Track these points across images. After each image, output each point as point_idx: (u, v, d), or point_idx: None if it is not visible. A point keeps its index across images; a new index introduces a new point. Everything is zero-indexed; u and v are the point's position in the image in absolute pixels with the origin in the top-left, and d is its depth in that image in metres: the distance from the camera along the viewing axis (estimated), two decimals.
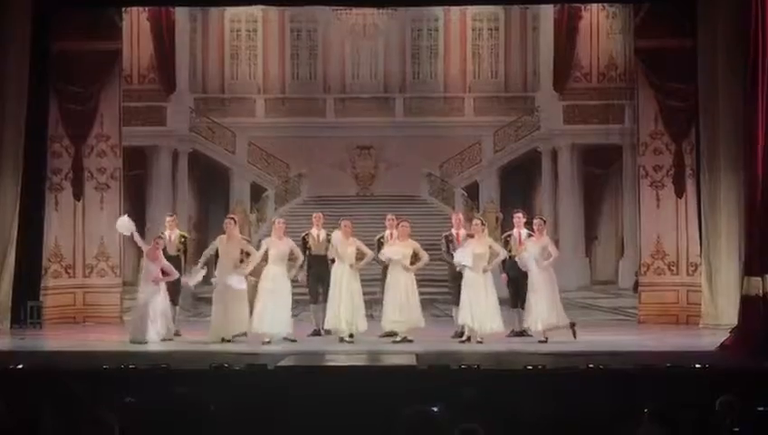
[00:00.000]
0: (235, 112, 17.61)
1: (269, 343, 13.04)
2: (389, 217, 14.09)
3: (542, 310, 13.29)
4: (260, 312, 13.17)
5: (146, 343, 13.12)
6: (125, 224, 14.19)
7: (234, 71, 17.66)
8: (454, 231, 13.97)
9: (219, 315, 13.38)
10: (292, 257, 13.56)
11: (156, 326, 13.26)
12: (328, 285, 13.48)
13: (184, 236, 14.55)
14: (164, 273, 13.54)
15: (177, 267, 13.92)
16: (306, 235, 14.11)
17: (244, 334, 13.49)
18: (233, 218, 13.93)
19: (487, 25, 17.60)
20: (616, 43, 16.92)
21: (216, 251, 13.63)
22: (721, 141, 14.82)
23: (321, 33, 17.66)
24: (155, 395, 6.97)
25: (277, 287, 13.24)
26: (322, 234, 14.02)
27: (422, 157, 17.41)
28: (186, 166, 17.46)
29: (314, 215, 14.34)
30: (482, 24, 17.61)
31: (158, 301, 13.36)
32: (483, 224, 13.51)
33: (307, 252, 13.94)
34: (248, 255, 13.58)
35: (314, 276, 13.99)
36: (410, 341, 13.14)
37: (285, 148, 17.57)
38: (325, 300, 13.54)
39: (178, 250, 14.34)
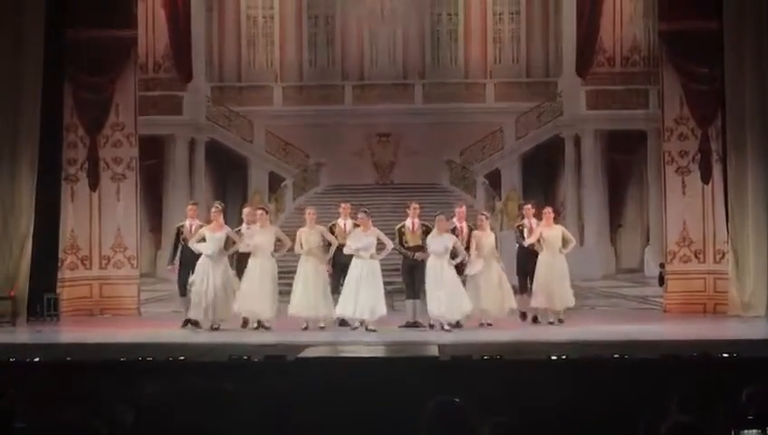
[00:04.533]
0: (253, 101, 17.47)
1: (306, 328, 13.41)
2: (414, 205, 13.79)
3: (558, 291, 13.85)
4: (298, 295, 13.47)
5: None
6: None
7: (250, 58, 17.50)
8: (457, 223, 13.67)
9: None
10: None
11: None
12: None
13: (202, 226, 14.00)
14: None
15: (196, 258, 13.60)
16: (333, 225, 13.87)
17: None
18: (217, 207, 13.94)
19: (508, 9, 17.36)
20: (639, 26, 16.72)
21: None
22: (748, 125, 14.62)
23: (339, 18, 17.46)
24: (171, 387, 6.83)
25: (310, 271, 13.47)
26: (349, 224, 13.76)
27: (442, 144, 17.21)
28: (203, 155, 17.33)
29: (342, 205, 14.09)
30: (503, 8, 17.38)
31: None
32: (487, 218, 13.85)
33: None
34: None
35: (339, 266, 13.73)
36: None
37: (303, 136, 17.40)
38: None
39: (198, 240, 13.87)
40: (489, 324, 13.56)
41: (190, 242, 13.57)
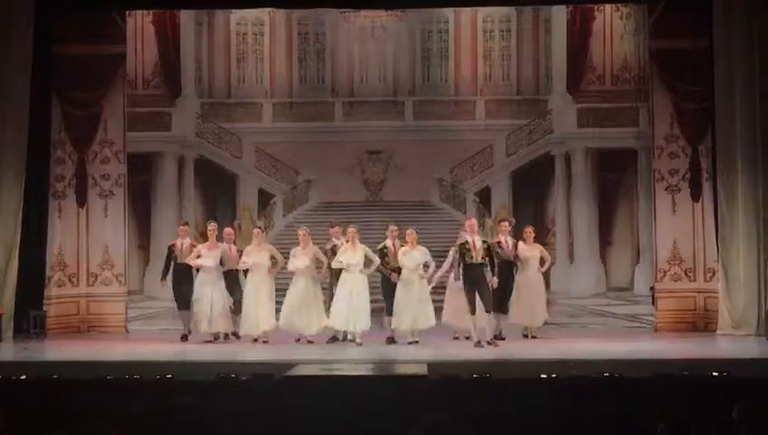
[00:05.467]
0: (242, 117, 17.36)
1: (299, 340, 14.08)
2: (392, 227, 14.10)
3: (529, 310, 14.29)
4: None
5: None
6: None
7: (240, 75, 17.40)
8: (468, 237, 13.56)
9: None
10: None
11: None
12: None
13: (194, 245, 14.64)
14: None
15: (188, 274, 14.43)
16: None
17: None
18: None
19: (498, 27, 17.31)
20: (630, 44, 16.65)
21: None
22: (738, 144, 14.63)
23: (329, 36, 17.39)
24: (159, 406, 6.76)
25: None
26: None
27: (432, 161, 17.12)
28: (192, 172, 17.21)
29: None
30: (493, 26, 17.33)
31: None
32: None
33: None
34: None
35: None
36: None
37: (293, 153, 17.30)
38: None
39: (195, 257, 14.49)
40: (534, 337, 14.41)
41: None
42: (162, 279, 14.76)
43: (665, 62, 15.61)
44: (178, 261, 14.51)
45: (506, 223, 14.45)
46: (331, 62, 17.38)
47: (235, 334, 14.37)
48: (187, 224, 15.15)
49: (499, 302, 13.90)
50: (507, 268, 14.12)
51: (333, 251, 14.09)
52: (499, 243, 14.20)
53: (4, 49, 14.57)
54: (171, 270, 14.64)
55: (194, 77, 17.21)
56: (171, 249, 14.68)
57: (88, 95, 15.71)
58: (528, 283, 14.31)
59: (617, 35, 16.75)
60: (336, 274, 14.01)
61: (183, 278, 14.51)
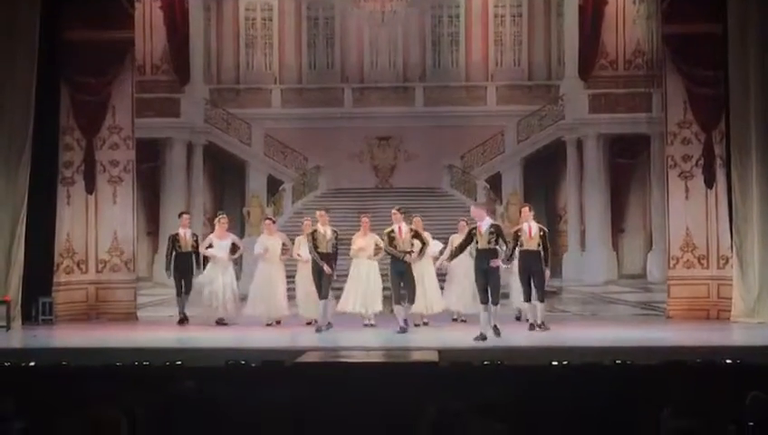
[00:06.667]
0: (251, 103, 17.29)
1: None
2: (393, 210, 13.80)
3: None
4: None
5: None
6: None
7: (249, 61, 17.31)
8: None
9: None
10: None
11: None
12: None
13: (195, 235, 15.15)
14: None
15: (189, 262, 14.97)
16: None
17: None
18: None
19: (510, 12, 17.18)
20: (642, 29, 16.53)
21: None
22: (752, 129, 14.49)
23: (339, 20, 17.29)
24: (168, 392, 6.73)
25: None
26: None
27: (443, 148, 17.03)
28: (201, 158, 17.16)
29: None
30: (504, 11, 17.20)
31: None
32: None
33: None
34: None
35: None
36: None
37: (302, 139, 17.22)
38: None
39: (192, 247, 14.98)
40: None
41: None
42: (167, 269, 15.04)
43: (678, 47, 15.47)
44: (181, 250, 14.90)
45: (526, 208, 13.83)
46: (341, 47, 17.29)
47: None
48: (188, 213, 15.42)
49: (526, 291, 13.57)
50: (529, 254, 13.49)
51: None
52: (518, 232, 13.59)
53: (12, 35, 14.48)
54: (173, 258, 14.98)
55: (202, 63, 17.13)
56: (174, 239, 15.01)
57: (96, 81, 15.63)
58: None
59: (629, 20, 16.62)
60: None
61: (183, 266, 14.95)
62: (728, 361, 10.08)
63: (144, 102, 16.41)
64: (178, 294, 15.02)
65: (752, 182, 14.53)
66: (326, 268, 13.66)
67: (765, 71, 14.41)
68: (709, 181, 15.50)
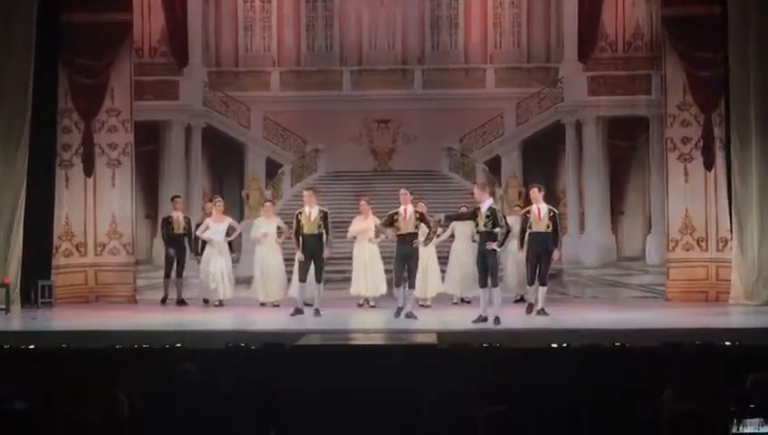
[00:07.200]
0: (250, 86, 17.24)
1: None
2: (402, 191, 13.50)
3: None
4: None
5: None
6: None
7: (248, 43, 17.25)
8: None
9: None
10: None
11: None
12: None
13: (188, 218, 15.50)
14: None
15: (182, 244, 15.31)
16: (299, 213, 13.62)
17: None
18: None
19: None
20: (642, 10, 16.47)
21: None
22: (752, 111, 14.46)
23: (337, 3, 17.22)
24: (168, 375, 6.73)
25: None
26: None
27: (442, 130, 16.99)
28: (199, 141, 17.12)
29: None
30: None
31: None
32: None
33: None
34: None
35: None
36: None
37: (301, 122, 17.18)
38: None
39: (184, 229, 15.34)
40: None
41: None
42: (166, 251, 15.39)
43: (678, 29, 15.42)
44: (174, 233, 15.24)
45: (536, 189, 13.51)
46: (339, 29, 17.22)
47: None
48: (180, 197, 15.70)
49: (531, 274, 13.40)
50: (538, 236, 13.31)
51: (297, 217, 13.65)
52: (528, 214, 13.45)
53: (10, 17, 14.41)
54: (166, 240, 15.36)
55: (201, 45, 17.08)
56: (168, 221, 15.35)
57: (95, 63, 15.58)
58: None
59: (629, 2, 16.59)
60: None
61: (176, 249, 15.29)
62: (727, 343, 10.11)
63: (142, 85, 16.37)
64: (167, 275, 15.30)
65: (751, 164, 14.51)
66: (298, 254, 13.48)
67: (765, 52, 14.36)
68: (708, 164, 15.48)
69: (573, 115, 16.97)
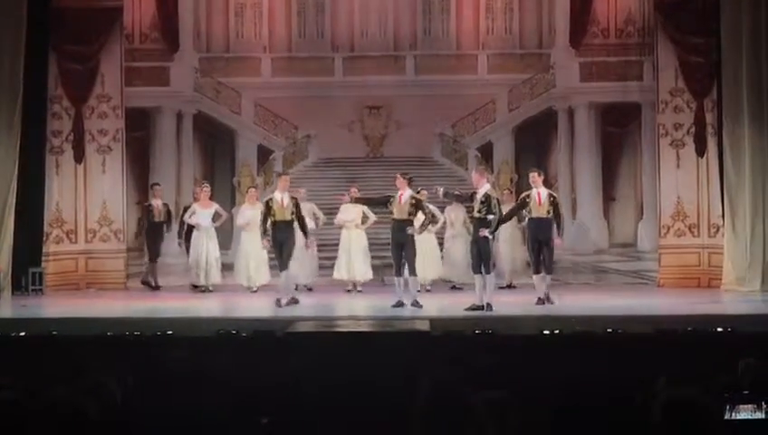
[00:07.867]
0: (241, 72, 17.13)
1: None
2: (397, 175, 13.35)
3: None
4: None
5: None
6: None
7: (239, 29, 17.15)
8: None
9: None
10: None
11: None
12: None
13: (167, 205, 15.77)
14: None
15: (161, 231, 15.61)
16: (269, 199, 13.33)
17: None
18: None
19: None
20: None
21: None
22: (744, 97, 14.44)
23: None
24: (158, 362, 6.71)
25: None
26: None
27: (434, 116, 16.92)
28: (190, 127, 17.03)
29: (281, 177, 13.58)
30: None
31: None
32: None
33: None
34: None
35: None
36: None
37: (292, 108, 17.10)
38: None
39: (164, 217, 15.63)
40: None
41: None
42: (140, 235, 15.96)
43: (670, 15, 15.40)
44: (154, 220, 15.50)
45: (536, 173, 13.32)
46: (331, 15, 17.12)
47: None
48: (159, 184, 15.83)
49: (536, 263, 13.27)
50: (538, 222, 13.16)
51: (268, 204, 13.27)
52: (527, 199, 13.25)
53: None
54: (146, 226, 15.65)
55: (192, 31, 16.97)
56: (149, 208, 15.60)
57: (85, 49, 15.51)
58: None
59: None
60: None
61: (156, 234, 15.56)
62: (720, 329, 10.12)
63: (133, 71, 16.29)
64: (151, 259, 15.56)
65: (743, 150, 14.50)
66: (264, 242, 13.22)
67: (757, 38, 14.35)
68: (700, 150, 15.46)
69: (565, 101, 16.93)
